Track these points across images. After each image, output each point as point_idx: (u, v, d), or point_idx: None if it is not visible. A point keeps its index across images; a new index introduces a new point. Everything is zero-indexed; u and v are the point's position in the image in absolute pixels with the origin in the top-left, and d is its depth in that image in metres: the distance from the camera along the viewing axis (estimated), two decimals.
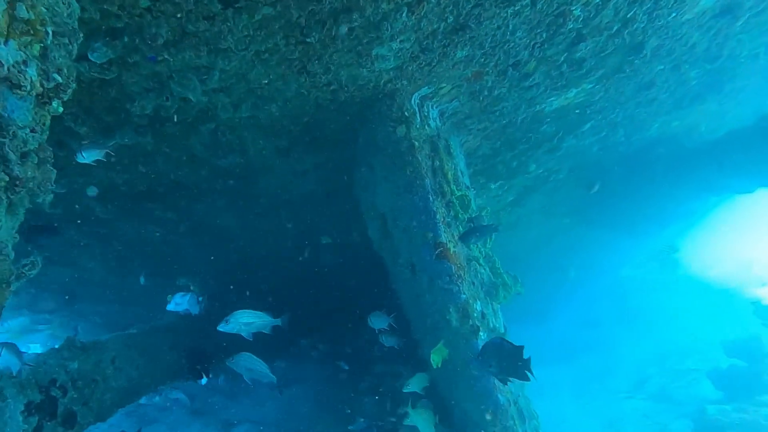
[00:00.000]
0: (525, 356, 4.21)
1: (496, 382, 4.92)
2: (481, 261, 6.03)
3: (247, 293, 11.84)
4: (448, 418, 5.78)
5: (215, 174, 6.10)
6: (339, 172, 6.92)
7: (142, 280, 7.63)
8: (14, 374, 3.75)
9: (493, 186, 9.18)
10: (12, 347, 4.07)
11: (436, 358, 5.33)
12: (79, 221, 6.22)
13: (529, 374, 4.22)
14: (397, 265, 6.06)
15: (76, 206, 5.85)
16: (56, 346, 4.65)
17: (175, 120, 4.69)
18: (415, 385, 5.53)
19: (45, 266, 7.45)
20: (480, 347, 4.83)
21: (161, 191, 6.14)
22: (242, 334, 4.93)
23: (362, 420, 7.66)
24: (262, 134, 5.56)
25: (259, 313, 5.03)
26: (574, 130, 7.70)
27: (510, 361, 4.26)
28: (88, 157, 4.26)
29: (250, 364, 5.23)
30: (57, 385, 4.03)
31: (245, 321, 4.88)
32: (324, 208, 8.08)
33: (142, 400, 11.85)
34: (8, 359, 3.92)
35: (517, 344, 4.28)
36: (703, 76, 7.34)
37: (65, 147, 4.62)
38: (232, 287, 11.14)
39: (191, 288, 8.88)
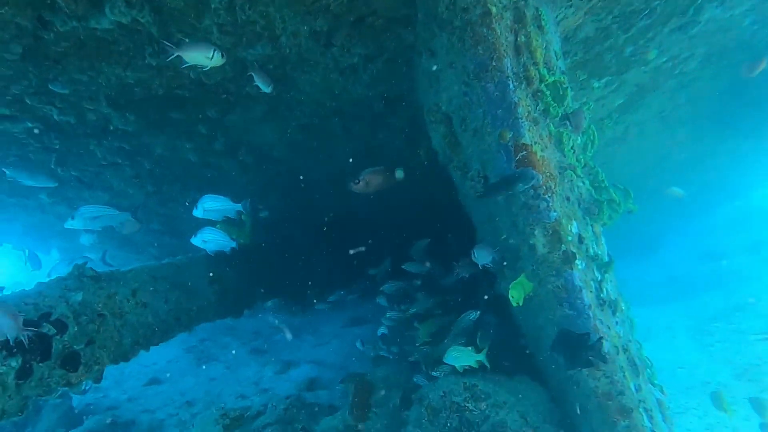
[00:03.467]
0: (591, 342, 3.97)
1: (599, 323, 4.02)
2: (578, 171, 4.93)
3: (305, 227, 11.61)
4: (532, 370, 5.05)
5: (244, 71, 5.39)
6: (396, 67, 5.95)
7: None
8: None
9: (596, 84, 7.68)
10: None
11: (516, 295, 4.50)
12: (97, 133, 5.90)
13: None
14: (466, 179, 5.14)
15: (90, 115, 5.49)
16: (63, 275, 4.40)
17: None
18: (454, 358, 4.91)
19: (79, 190, 7.52)
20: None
21: (184, 96, 5.60)
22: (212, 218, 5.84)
23: None
24: (291, 10, 4.68)
25: (222, 197, 5.95)
26: None
27: (578, 350, 4.02)
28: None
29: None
30: (51, 320, 3.74)
31: (209, 207, 5.85)
32: (382, 119, 7.19)
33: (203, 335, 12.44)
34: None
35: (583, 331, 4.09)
36: None
37: (49, 27, 4.07)
38: (288, 219, 10.90)
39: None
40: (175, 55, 4.14)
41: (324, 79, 5.96)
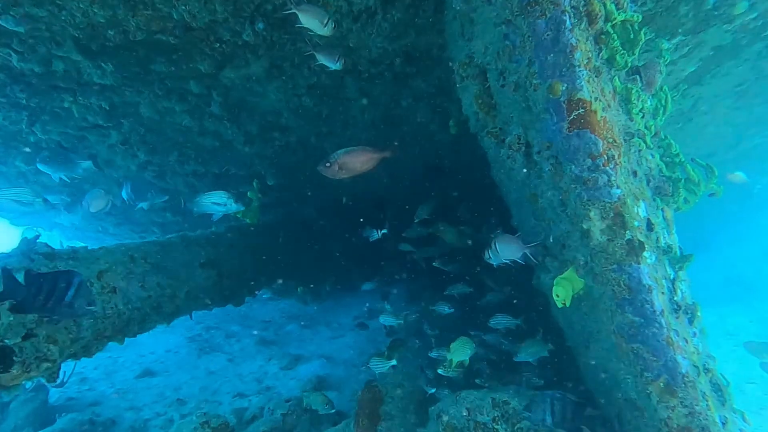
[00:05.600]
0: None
1: (674, 335, 3.16)
2: (648, 140, 4.03)
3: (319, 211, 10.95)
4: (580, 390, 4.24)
5: (236, 11, 4.68)
6: (422, 14, 5.16)
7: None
8: None
9: (666, 45, 6.62)
10: None
11: (562, 293, 3.69)
12: (71, 87, 5.28)
13: None
14: (502, 147, 4.31)
15: (58, 64, 4.86)
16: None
17: None
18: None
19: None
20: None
21: (168, 43, 4.91)
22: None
23: None
24: None
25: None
26: None
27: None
28: None
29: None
30: None
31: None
32: (405, 81, 6.38)
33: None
34: None
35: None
36: None
37: None
38: (302, 198, 10.25)
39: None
40: (292, 11, 4.11)
41: (336, 26, 5.18)
